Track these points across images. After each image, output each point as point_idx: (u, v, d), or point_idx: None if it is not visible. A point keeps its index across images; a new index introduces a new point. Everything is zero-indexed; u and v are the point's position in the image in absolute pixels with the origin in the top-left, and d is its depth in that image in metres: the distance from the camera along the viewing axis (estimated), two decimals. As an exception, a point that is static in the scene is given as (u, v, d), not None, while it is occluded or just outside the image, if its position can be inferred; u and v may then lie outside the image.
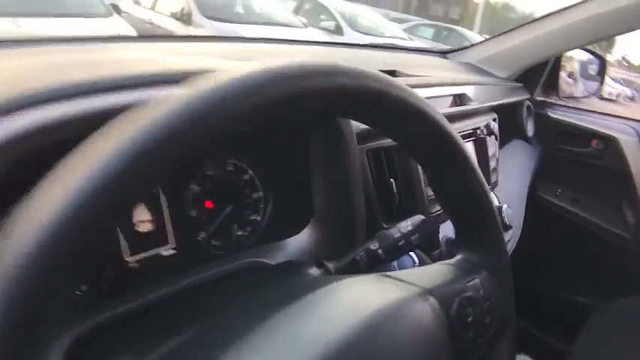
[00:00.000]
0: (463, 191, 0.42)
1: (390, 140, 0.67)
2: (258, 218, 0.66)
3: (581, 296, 1.51)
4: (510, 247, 0.95)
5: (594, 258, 1.48)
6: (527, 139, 1.41)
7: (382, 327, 0.33)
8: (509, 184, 1.13)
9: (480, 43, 1.54)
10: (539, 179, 1.54)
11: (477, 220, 0.44)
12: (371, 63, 0.99)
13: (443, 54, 1.59)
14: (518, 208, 1.06)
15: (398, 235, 0.53)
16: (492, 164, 0.92)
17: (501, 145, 1.34)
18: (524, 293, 1.62)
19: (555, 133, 1.47)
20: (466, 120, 0.87)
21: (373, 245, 0.52)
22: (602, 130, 1.38)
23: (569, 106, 1.52)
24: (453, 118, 0.83)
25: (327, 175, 0.60)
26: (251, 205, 0.65)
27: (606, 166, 1.38)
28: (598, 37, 1.30)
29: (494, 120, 1.00)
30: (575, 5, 1.26)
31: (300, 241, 0.64)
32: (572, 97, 1.67)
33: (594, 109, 1.49)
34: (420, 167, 0.70)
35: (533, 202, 1.53)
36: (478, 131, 0.88)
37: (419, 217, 0.55)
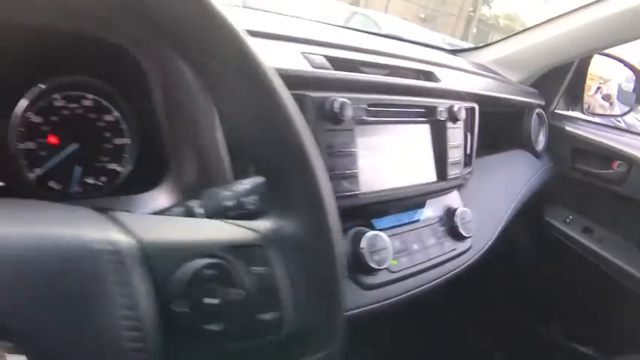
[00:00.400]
0: (256, 118, 0.30)
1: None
2: (119, 169, 0.55)
3: (584, 346, 1.28)
4: (464, 261, 0.78)
5: (605, 303, 1.25)
6: (534, 152, 1.22)
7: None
8: (491, 193, 0.96)
9: (494, 43, 1.38)
10: (548, 201, 1.34)
11: (278, 169, 0.31)
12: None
13: (454, 52, 1.45)
14: (492, 222, 0.88)
15: (226, 193, 0.41)
16: (454, 155, 0.76)
17: (497, 150, 1.17)
18: (518, 333, 1.42)
19: (571, 150, 1.27)
20: (423, 97, 0.72)
21: (193, 203, 0.41)
22: (626, 150, 1.17)
23: (589, 121, 1.32)
24: (400, 90, 0.69)
25: (173, 121, 0.49)
26: (111, 151, 0.55)
27: (628, 193, 1.17)
28: (621, 40, 1.11)
29: (469, 109, 0.84)
30: (595, 2, 1.09)
31: (154, 196, 0.53)
32: (600, 115, 1.46)
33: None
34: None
35: (538, 228, 1.33)
36: (438, 113, 0.73)
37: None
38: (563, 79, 1.31)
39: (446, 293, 1.54)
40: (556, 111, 1.35)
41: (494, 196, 0.97)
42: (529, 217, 1.36)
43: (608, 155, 1.20)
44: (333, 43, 0.68)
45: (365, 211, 0.65)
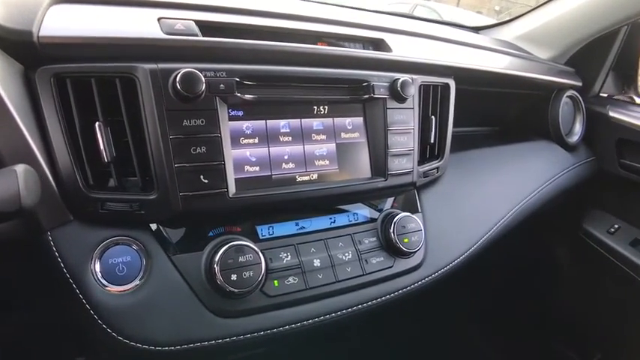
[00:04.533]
0: None
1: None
2: None
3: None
4: (406, 283, 0.59)
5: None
6: (563, 143, 0.99)
7: None
8: (486, 194, 0.77)
9: (519, 16, 1.15)
10: (589, 206, 1.09)
11: None
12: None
13: (476, 29, 1.24)
14: (473, 232, 0.69)
15: None
16: (398, 145, 0.58)
17: (520, 140, 0.97)
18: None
19: (616, 142, 1.01)
20: (353, 70, 0.56)
21: None
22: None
23: (641, 104, 1.05)
24: (301, 59, 0.54)
25: None
26: None
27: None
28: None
29: (435, 86, 0.66)
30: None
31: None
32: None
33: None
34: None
35: (576, 238, 1.08)
36: (372, 89, 0.56)
37: None
38: (606, 55, 1.06)
39: (466, 315, 1.32)
40: (601, 94, 1.10)
41: (490, 197, 0.77)
42: (564, 225, 1.12)
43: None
44: (226, 7, 0.54)
45: (243, 216, 0.51)
